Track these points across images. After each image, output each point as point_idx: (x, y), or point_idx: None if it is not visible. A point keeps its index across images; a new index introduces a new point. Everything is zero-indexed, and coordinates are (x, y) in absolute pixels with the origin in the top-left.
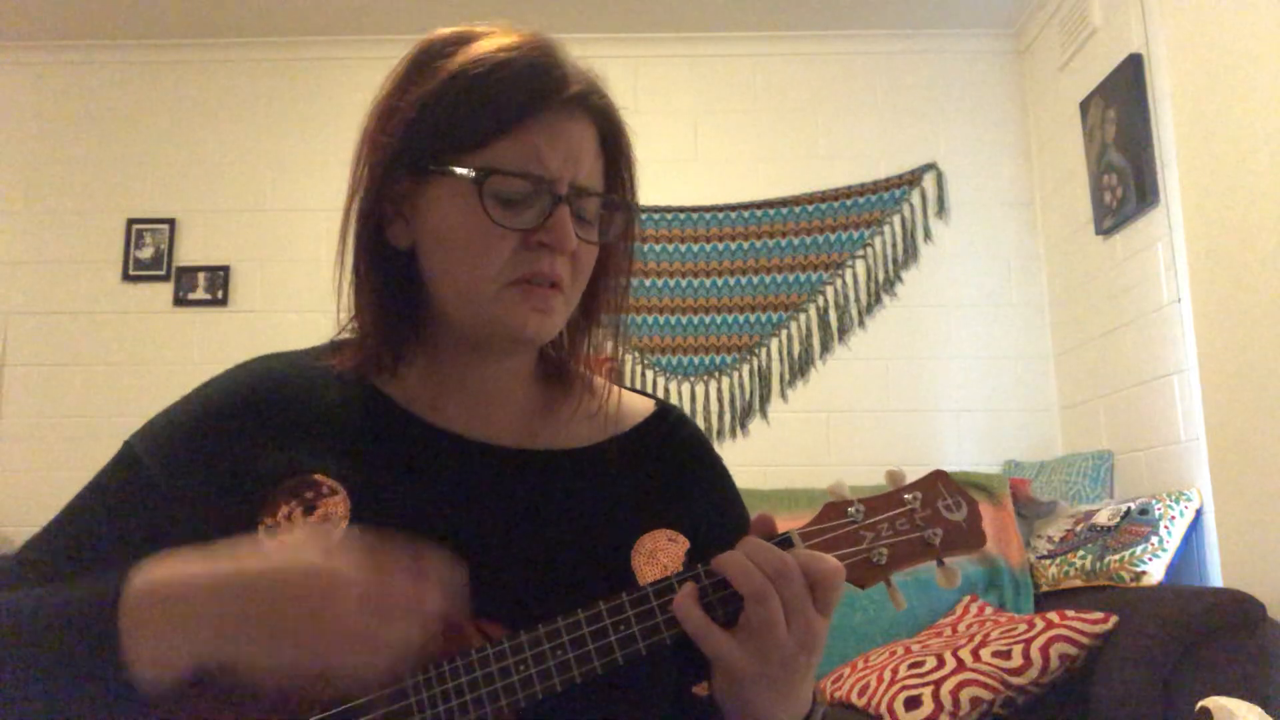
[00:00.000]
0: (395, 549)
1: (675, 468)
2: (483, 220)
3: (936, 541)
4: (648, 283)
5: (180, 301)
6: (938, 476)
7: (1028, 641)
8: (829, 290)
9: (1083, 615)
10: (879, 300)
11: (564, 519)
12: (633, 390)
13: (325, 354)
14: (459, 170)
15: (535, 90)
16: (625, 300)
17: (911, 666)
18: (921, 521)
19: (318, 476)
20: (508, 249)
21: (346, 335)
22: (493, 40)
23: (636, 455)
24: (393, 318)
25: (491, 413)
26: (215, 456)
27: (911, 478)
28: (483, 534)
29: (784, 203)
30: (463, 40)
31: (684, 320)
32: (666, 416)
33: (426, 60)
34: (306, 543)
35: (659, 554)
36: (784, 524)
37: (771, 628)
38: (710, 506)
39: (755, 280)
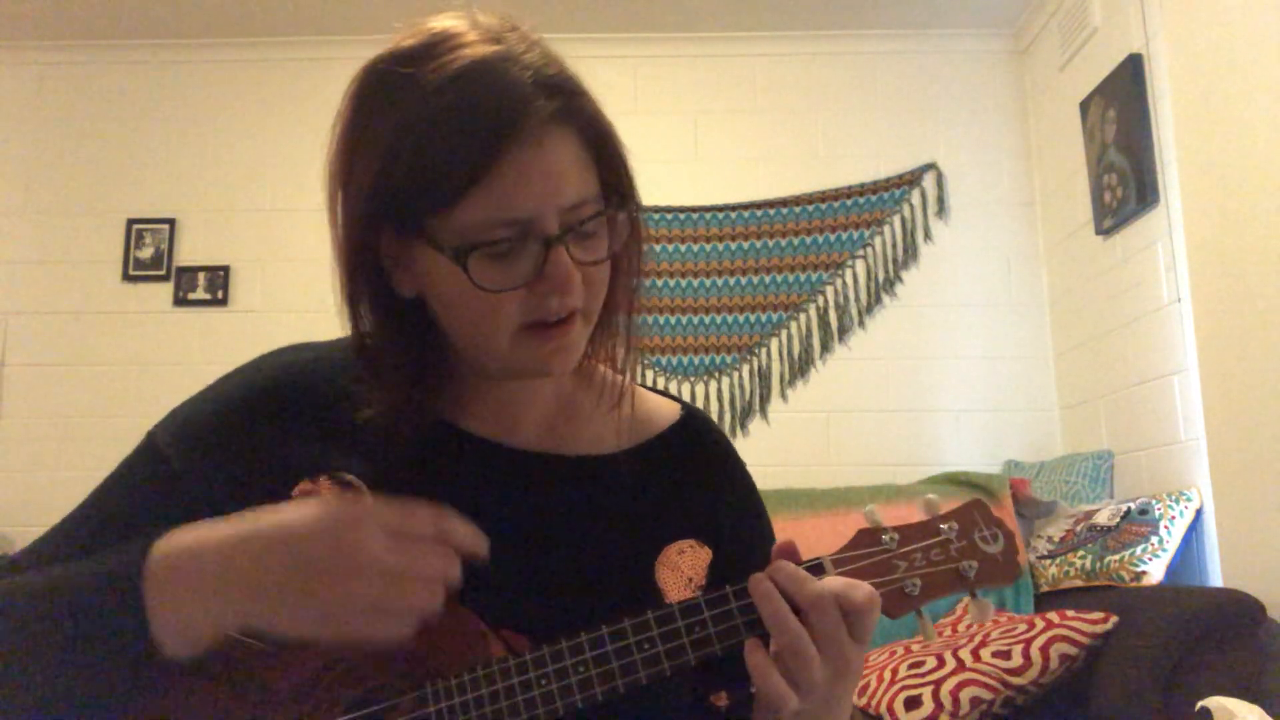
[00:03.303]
0: (419, 514)
1: (701, 476)
2: (476, 290)
3: (972, 575)
4: (648, 282)
5: (180, 301)
6: (974, 506)
7: (1028, 641)
8: (829, 290)
9: (1083, 615)
10: (879, 300)
11: (588, 527)
12: (654, 391)
13: (349, 352)
14: (437, 244)
15: (496, 129)
16: (640, 296)
17: (911, 666)
18: (957, 553)
19: (342, 475)
20: (513, 304)
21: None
22: (437, 70)
23: (662, 463)
24: (417, 365)
25: (517, 415)
26: (240, 450)
27: (916, 478)
28: (506, 540)
29: (784, 203)
30: (403, 79)
31: (684, 320)
32: (692, 422)
33: (372, 106)
34: (329, 503)
35: (683, 564)
36: (785, 524)
37: (805, 664)
38: (735, 515)
39: (755, 280)
